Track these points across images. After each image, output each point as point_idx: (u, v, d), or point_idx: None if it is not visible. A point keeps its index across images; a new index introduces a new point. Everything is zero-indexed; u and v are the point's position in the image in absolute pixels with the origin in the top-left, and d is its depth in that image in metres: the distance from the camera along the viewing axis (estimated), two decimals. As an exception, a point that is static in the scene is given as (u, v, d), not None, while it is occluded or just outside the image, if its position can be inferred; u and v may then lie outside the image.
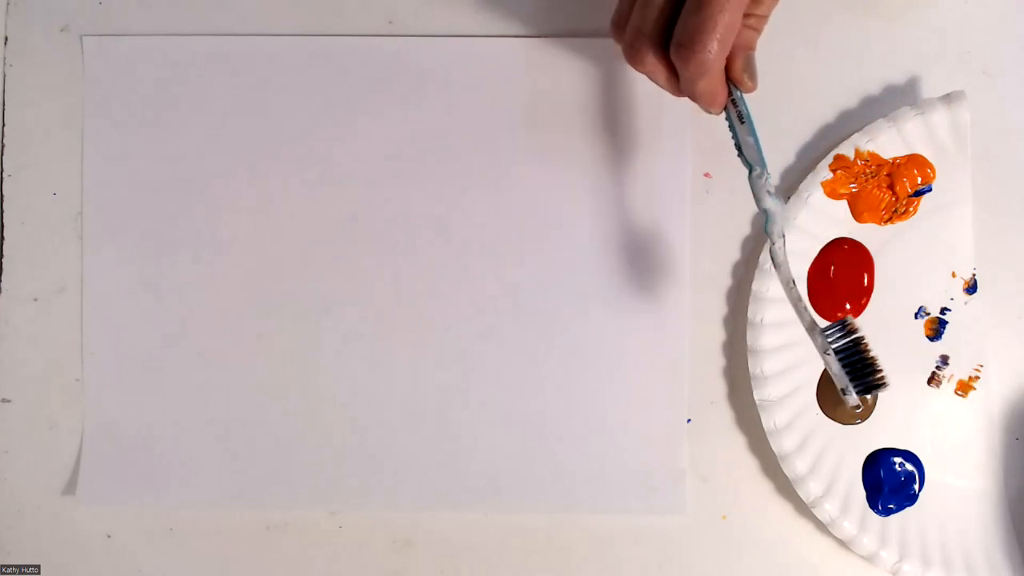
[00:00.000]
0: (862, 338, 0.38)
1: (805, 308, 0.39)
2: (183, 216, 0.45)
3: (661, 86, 0.39)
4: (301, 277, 0.45)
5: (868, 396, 0.39)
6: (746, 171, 0.39)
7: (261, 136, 0.45)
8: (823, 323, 0.39)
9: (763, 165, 0.39)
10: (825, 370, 0.44)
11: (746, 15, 0.37)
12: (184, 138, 0.45)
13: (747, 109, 0.39)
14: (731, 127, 0.40)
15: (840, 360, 0.38)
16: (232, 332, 0.45)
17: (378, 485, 0.45)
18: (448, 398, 0.45)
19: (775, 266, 0.39)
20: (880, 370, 0.38)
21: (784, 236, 0.39)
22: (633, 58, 0.38)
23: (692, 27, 0.35)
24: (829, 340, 0.38)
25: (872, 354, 0.38)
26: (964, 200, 0.44)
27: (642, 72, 0.39)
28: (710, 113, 0.40)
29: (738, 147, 0.40)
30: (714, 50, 0.35)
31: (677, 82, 0.38)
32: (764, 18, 0.39)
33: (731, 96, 0.39)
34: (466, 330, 0.45)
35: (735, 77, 0.39)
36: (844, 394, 0.38)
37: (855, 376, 0.38)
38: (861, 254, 0.44)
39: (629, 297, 0.45)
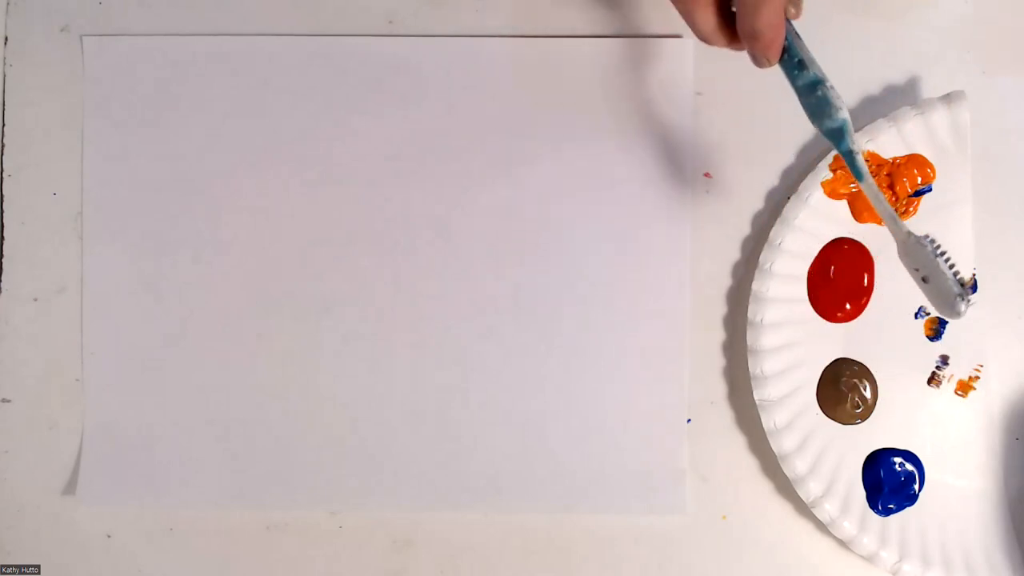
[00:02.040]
0: (945, 252, 0.35)
1: (900, 220, 0.35)
2: (183, 216, 0.45)
3: (695, 23, 0.36)
4: (301, 277, 0.45)
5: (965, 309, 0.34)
6: (801, 94, 0.36)
7: (261, 136, 0.45)
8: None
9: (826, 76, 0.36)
10: (826, 369, 0.44)
11: None
12: (184, 138, 0.45)
13: (795, 27, 0.37)
14: (789, 45, 0.36)
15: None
16: (232, 332, 0.45)
17: (378, 485, 0.45)
18: (448, 398, 0.45)
19: (861, 178, 0.36)
20: (967, 282, 0.35)
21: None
22: None
23: None
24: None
25: (956, 268, 0.35)
26: (964, 200, 0.44)
27: (679, 4, 0.36)
28: (763, 59, 0.36)
29: (799, 65, 0.36)
30: None
31: (716, 18, 0.36)
32: None
33: None
34: (466, 330, 0.45)
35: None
36: (959, 297, 0.34)
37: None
38: (861, 254, 0.44)
39: (629, 297, 0.45)
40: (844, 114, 0.35)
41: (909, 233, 0.35)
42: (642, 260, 0.45)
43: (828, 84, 0.36)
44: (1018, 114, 0.45)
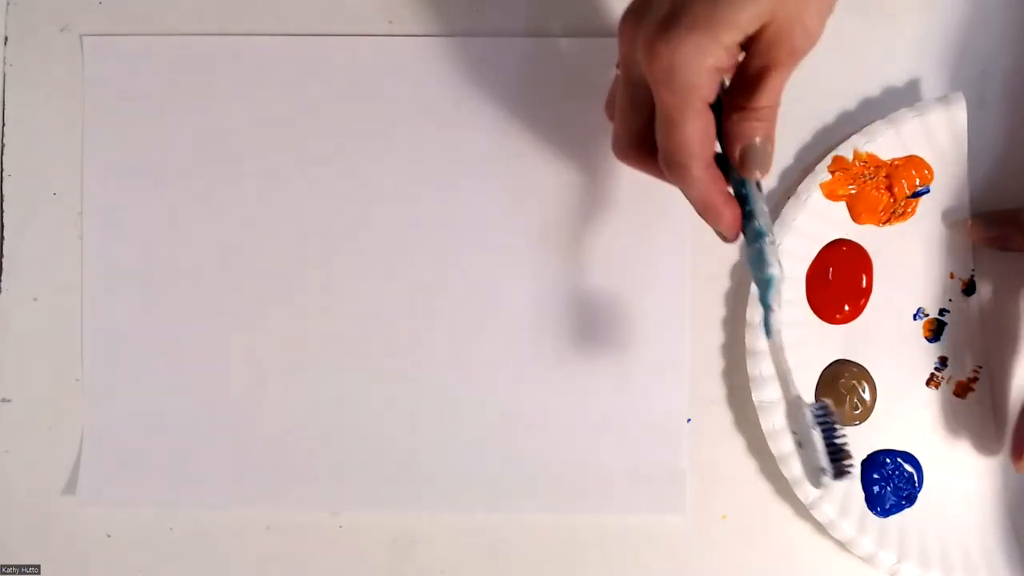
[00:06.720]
0: (836, 422, 0.35)
1: (793, 381, 0.36)
2: (183, 216, 0.45)
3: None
4: (301, 277, 0.45)
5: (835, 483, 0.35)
6: (747, 240, 0.37)
7: (261, 136, 0.45)
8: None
9: (773, 232, 0.37)
10: (825, 371, 0.44)
11: (741, 108, 0.35)
12: (184, 138, 0.45)
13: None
14: (747, 197, 0.36)
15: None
16: (232, 332, 0.45)
17: (378, 485, 0.45)
18: (448, 398, 0.45)
19: (768, 335, 0.36)
20: (851, 457, 0.34)
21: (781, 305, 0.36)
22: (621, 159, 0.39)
23: (664, 150, 0.35)
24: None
25: (844, 441, 0.34)
26: (962, 201, 0.44)
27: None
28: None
29: (749, 215, 0.36)
30: (693, 167, 0.34)
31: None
32: (766, 109, 0.35)
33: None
34: (466, 330, 0.45)
35: (735, 166, 0.36)
36: (822, 473, 0.34)
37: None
38: (860, 255, 0.44)
39: (629, 297, 0.45)
40: (774, 271, 0.36)
41: (797, 396, 0.35)
42: (642, 260, 0.45)
43: (768, 240, 0.36)
44: (1018, 114, 0.45)
